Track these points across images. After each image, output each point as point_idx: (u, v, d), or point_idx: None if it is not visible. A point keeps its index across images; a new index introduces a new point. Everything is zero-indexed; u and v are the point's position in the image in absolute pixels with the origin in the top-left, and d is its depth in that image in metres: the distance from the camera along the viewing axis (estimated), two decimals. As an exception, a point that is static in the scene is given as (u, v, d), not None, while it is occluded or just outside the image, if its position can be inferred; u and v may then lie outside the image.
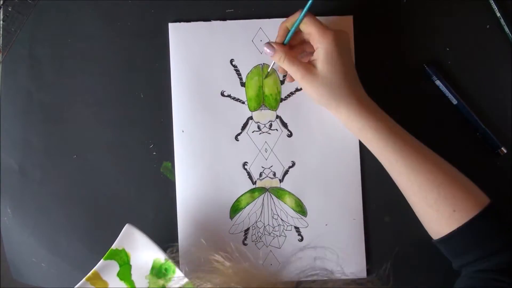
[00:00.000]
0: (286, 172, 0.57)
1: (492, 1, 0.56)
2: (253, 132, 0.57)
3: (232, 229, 0.56)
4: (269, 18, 0.57)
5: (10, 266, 0.58)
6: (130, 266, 0.53)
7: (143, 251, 0.52)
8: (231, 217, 0.56)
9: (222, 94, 0.57)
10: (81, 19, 0.58)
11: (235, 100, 0.57)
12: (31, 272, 0.57)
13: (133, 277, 0.53)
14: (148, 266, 0.53)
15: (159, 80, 0.57)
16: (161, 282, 0.52)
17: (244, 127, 0.57)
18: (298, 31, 0.52)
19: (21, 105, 0.58)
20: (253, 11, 0.57)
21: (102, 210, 0.57)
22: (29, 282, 0.57)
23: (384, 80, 0.56)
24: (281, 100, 0.57)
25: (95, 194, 0.57)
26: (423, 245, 0.54)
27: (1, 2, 0.58)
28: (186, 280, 0.51)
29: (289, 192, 0.57)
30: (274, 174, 0.57)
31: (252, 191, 0.57)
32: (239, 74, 0.57)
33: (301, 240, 0.56)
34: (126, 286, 0.53)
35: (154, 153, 0.57)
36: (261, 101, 0.57)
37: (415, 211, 0.51)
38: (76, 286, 0.52)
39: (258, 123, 0.57)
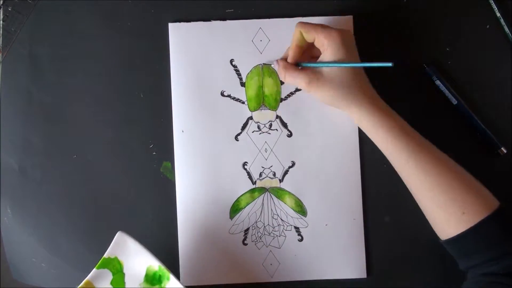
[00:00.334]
0: (286, 172, 0.57)
1: (492, 1, 0.56)
2: (253, 132, 0.57)
3: (232, 229, 0.56)
4: (269, 18, 0.57)
5: (10, 266, 0.58)
6: (124, 274, 0.52)
7: (136, 259, 0.52)
8: (231, 217, 0.57)
9: (222, 94, 0.57)
10: (81, 19, 0.58)
11: (235, 100, 0.57)
12: (31, 272, 0.57)
13: (127, 285, 0.52)
14: (142, 274, 0.52)
15: (159, 80, 0.57)
16: None
17: (244, 127, 0.57)
18: (302, 38, 0.52)
19: (21, 105, 0.58)
20: (253, 11, 0.57)
21: (102, 210, 0.57)
22: (29, 282, 0.57)
23: (384, 80, 0.56)
24: (281, 100, 0.57)
25: (95, 194, 0.57)
26: (423, 245, 0.54)
27: (1, 2, 0.58)
28: (181, 286, 0.51)
29: (289, 192, 0.57)
30: (274, 174, 0.57)
31: (252, 191, 0.57)
32: (239, 74, 0.57)
33: (301, 240, 0.56)
34: None
35: (154, 153, 0.57)
36: (261, 101, 0.57)
37: (423, 211, 0.51)
38: None
39: (258, 123, 0.57)
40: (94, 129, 0.58)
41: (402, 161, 0.50)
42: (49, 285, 0.57)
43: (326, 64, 0.50)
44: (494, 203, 0.48)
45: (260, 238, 0.56)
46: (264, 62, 0.57)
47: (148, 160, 0.57)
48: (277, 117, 0.57)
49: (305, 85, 0.51)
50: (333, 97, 0.50)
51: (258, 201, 0.57)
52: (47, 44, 0.58)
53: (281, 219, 0.57)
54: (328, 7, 0.57)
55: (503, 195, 0.56)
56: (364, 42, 0.57)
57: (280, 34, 0.57)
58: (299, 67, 0.53)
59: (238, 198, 0.57)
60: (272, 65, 0.57)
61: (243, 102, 0.57)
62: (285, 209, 0.57)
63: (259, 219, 0.57)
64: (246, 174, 0.57)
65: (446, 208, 0.48)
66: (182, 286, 0.51)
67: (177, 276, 0.55)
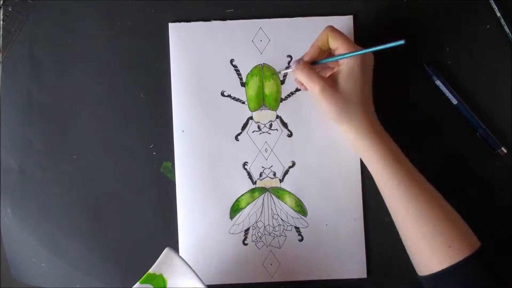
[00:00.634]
0: (286, 172, 0.57)
1: (492, 1, 0.56)
2: (253, 132, 0.57)
3: (232, 229, 0.56)
4: (269, 18, 0.57)
5: (10, 266, 0.58)
6: None
7: (181, 279, 0.49)
8: (231, 217, 0.56)
9: (222, 94, 0.57)
10: (81, 19, 0.58)
11: (235, 100, 0.57)
12: (31, 272, 0.57)
13: None
14: None
15: (159, 80, 0.57)
16: None
17: (244, 127, 0.57)
18: (326, 42, 0.51)
19: (21, 105, 0.58)
20: (253, 11, 0.57)
21: (102, 210, 0.57)
22: (29, 282, 0.57)
23: (384, 80, 0.56)
24: (281, 100, 0.57)
25: (95, 194, 0.57)
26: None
27: (1, 2, 0.58)
28: None
29: (289, 192, 0.57)
30: (274, 174, 0.57)
31: (252, 191, 0.57)
32: (239, 74, 0.57)
33: (301, 240, 0.56)
34: None
35: (154, 153, 0.57)
36: (261, 101, 0.57)
37: (406, 243, 0.51)
38: None
39: (258, 123, 0.57)
40: (94, 129, 0.58)
41: (391, 188, 0.49)
42: (49, 285, 0.57)
43: (341, 57, 0.49)
44: (477, 243, 0.47)
45: (260, 238, 0.56)
46: (264, 62, 0.57)
47: (148, 160, 0.57)
48: (277, 117, 0.57)
49: (319, 89, 0.49)
50: (339, 110, 0.50)
51: (258, 201, 0.57)
52: (47, 44, 0.58)
53: (281, 219, 0.57)
54: (328, 7, 0.57)
55: (503, 195, 0.56)
56: (364, 42, 0.57)
57: (280, 34, 0.57)
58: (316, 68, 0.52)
59: (238, 198, 0.57)
60: (289, 65, 0.56)
61: (243, 102, 0.57)
62: (285, 209, 0.57)
63: (259, 219, 0.57)
64: (246, 174, 0.57)
65: (432, 240, 0.47)
66: None
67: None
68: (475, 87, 0.57)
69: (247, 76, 0.57)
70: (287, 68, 0.56)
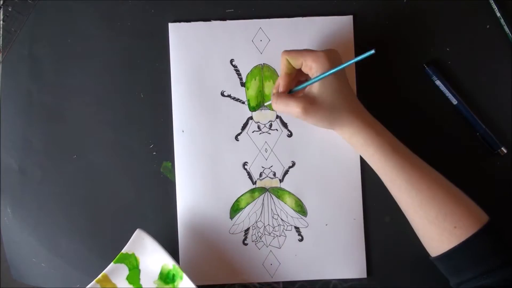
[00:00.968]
0: (286, 172, 0.57)
1: (492, 1, 0.56)
2: (253, 132, 0.57)
3: (232, 229, 0.56)
4: (269, 18, 0.57)
5: (10, 266, 0.58)
6: (139, 270, 0.53)
7: (153, 256, 0.53)
8: (231, 217, 0.56)
9: (222, 94, 0.57)
10: (81, 19, 0.58)
11: (235, 100, 0.57)
12: (31, 272, 0.57)
13: (142, 281, 0.53)
14: (157, 272, 0.53)
15: (159, 80, 0.57)
16: (169, 287, 0.53)
17: (244, 127, 0.57)
18: (290, 65, 0.51)
19: (21, 105, 0.58)
20: (253, 11, 0.57)
21: (102, 210, 0.57)
22: (29, 282, 0.57)
23: (384, 80, 0.56)
24: (281, 100, 0.57)
25: (95, 194, 0.57)
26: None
27: (1, 2, 0.58)
28: (193, 286, 0.52)
29: (289, 192, 0.57)
30: (274, 174, 0.57)
31: (252, 191, 0.57)
32: (239, 74, 0.57)
33: (301, 240, 0.56)
34: None
35: (154, 153, 0.57)
36: (261, 101, 0.57)
37: (414, 228, 0.52)
38: (87, 287, 0.53)
39: (258, 123, 0.57)
40: (94, 129, 0.58)
41: (392, 178, 0.50)
42: (49, 285, 0.57)
43: (314, 80, 0.49)
44: (484, 218, 0.48)
45: (260, 238, 0.56)
46: (264, 62, 0.57)
47: (148, 160, 0.57)
48: (277, 117, 0.57)
49: (300, 111, 0.49)
50: (327, 119, 0.50)
51: (258, 201, 0.57)
52: (47, 44, 0.58)
53: (281, 219, 0.57)
54: (328, 7, 0.57)
55: (503, 195, 0.56)
56: (364, 42, 0.57)
57: (280, 34, 0.57)
58: (291, 93, 0.52)
59: (238, 198, 0.57)
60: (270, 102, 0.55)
61: (243, 102, 0.57)
62: (285, 209, 0.57)
63: (259, 219, 0.57)
64: (246, 174, 0.57)
65: (438, 223, 0.48)
66: (194, 286, 0.51)
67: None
68: (475, 87, 0.57)
69: (247, 76, 0.57)
70: (268, 101, 0.56)
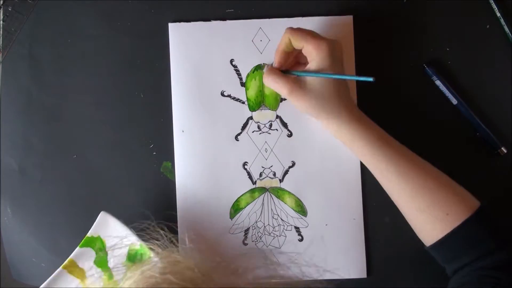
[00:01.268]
0: (286, 172, 0.57)
1: (492, 1, 0.56)
2: (253, 132, 0.57)
3: (232, 229, 0.56)
4: (269, 18, 0.57)
5: (10, 266, 0.58)
6: (107, 253, 0.52)
7: (118, 238, 0.52)
8: (231, 217, 0.56)
9: (222, 94, 0.57)
10: (81, 19, 0.58)
11: (235, 100, 0.57)
12: (31, 272, 0.57)
13: (110, 264, 0.52)
14: (124, 252, 0.52)
15: (159, 80, 0.57)
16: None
17: (244, 127, 0.57)
18: (290, 44, 0.51)
19: (21, 105, 0.58)
20: (253, 11, 0.57)
21: (102, 210, 0.57)
22: (29, 282, 0.57)
23: (384, 80, 0.56)
24: (281, 100, 0.57)
25: (95, 194, 0.57)
26: (423, 245, 0.53)
27: (1, 2, 0.58)
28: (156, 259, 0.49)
29: (289, 192, 0.57)
30: (274, 174, 0.57)
31: (252, 191, 0.57)
32: (239, 74, 0.57)
33: (301, 240, 0.56)
34: (103, 273, 0.52)
35: (154, 153, 0.57)
36: (261, 101, 0.57)
37: (407, 219, 0.52)
38: (52, 275, 0.52)
39: (258, 123, 0.57)
40: (94, 129, 0.58)
41: (382, 170, 0.50)
42: (49, 285, 0.57)
43: (311, 74, 0.49)
44: (475, 203, 0.48)
45: (260, 238, 0.56)
46: (264, 62, 0.57)
47: (148, 160, 0.57)
48: (277, 117, 0.57)
49: (287, 92, 0.50)
50: (313, 107, 0.50)
51: (258, 201, 0.57)
52: (47, 44, 0.58)
53: (281, 219, 0.57)
54: (328, 7, 0.57)
55: (503, 195, 0.56)
56: (364, 42, 0.57)
57: (280, 34, 0.56)
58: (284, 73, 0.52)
59: (238, 198, 0.57)
60: (263, 70, 0.56)
61: (243, 102, 0.57)
62: (285, 209, 0.57)
63: (259, 219, 0.57)
64: (246, 174, 0.57)
65: (430, 212, 0.48)
66: (157, 258, 0.50)
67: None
68: (475, 87, 0.57)
69: (247, 76, 0.57)
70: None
